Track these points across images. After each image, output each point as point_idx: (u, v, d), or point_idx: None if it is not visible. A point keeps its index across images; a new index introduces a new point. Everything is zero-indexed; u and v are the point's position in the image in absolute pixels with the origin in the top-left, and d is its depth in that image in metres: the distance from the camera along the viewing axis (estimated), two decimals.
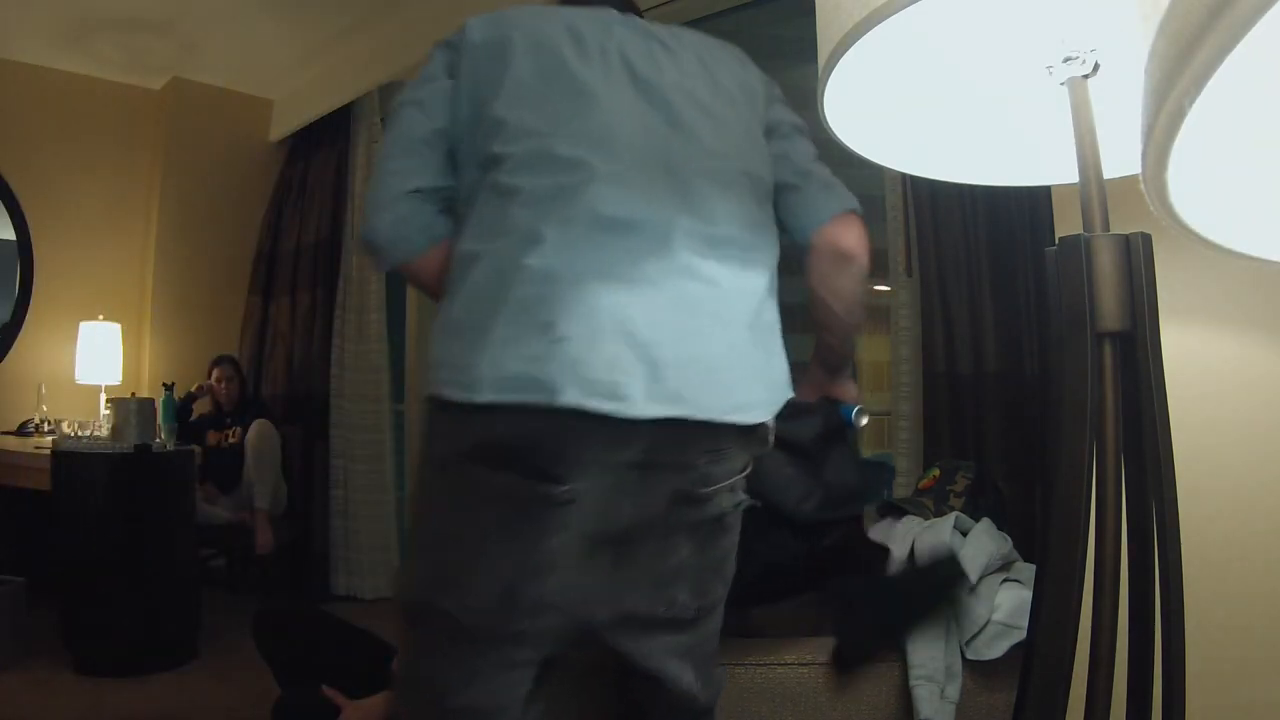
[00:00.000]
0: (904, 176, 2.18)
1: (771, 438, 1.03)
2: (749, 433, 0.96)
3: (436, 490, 0.95)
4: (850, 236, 1.10)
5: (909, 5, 0.78)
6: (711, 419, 0.91)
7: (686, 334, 0.92)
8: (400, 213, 1.03)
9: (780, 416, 1.06)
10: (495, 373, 0.87)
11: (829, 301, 1.13)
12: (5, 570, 2.75)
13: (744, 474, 1.00)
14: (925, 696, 1.31)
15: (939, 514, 1.62)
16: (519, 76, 1.02)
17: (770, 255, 1.05)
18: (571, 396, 0.85)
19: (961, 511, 1.61)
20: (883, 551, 1.48)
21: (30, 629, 2.68)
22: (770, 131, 1.15)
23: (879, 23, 0.81)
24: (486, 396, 0.86)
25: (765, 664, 1.35)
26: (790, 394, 1.03)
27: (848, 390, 1.29)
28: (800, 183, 1.13)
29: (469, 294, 0.94)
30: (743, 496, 1.01)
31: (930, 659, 1.34)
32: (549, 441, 0.86)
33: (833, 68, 0.91)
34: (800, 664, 1.36)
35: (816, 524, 1.32)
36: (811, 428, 1.29)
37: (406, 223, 1.03)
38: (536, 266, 0.90)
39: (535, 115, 1.00)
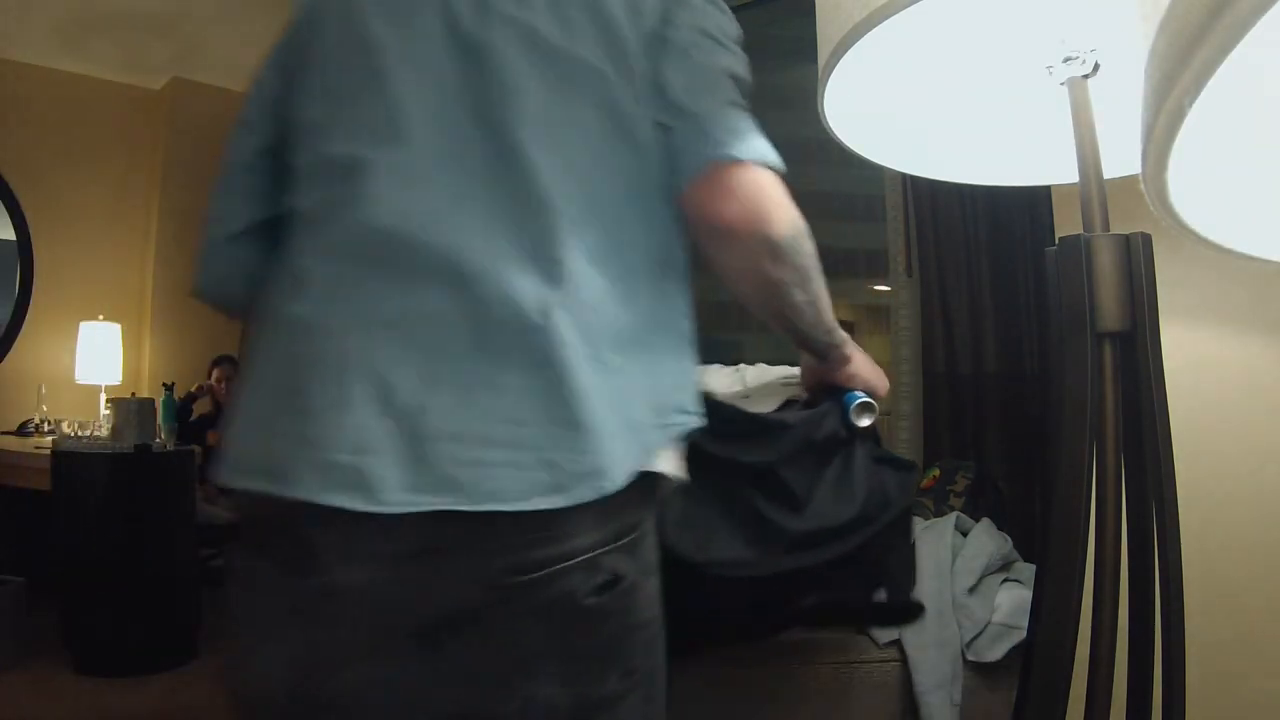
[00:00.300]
0: (904, 176, 2.18)
1: (674, 478, 0.78)
2: (605, 502, 0.69)
3: (225, 568, 0.82)
4: (723, 199, 0.75)
5: (909, 5, 0.78)
6: (504, 509, 0.65)
7: (474, 389, 0.67)
8: (217, 267, 0.87)
9: (739, 436, 0.91)
10: (238, 452, 0.74)
11: (735, 290, 0.83)
12: (5, 570, 2.75)
13: (615, 548, 0.72)
14: (937, 705, 1.31)
15: (939, 514, 1.62)
16: (318, 56, 0.81)
17: (649, 237, 0.78)
18: (306, 488, 0.67)
19: (961, 511, 1.61)
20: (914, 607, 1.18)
21: (30, 629, 2.68)
22: (658, 46, 0.78)
23: (879, 23, 0.81)
24: (226, 480, 0.74)
25: (765, 664, 1.35)
26: (689, 420, 0.77)
27: (850, 375, 1.01)
28: (671, 121, 0.77)
29: (249, 351, 0.78)
30: (624, 571, 0.72)
31: (938, 666, 1.34)
32: (296, 532, 0.70)
33: (833, 68, 0.91)
34: (801, 664, 1.36)
35: (778, 577, 0.97)
36: (780, 445, 0.99)
37: (226, 278, 0.88)
38: (296, 316, 0.73)
39: (322, 107, 0.79)
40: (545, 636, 0.71)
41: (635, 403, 0.73)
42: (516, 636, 0.71)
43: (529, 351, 0.68)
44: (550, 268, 0.70)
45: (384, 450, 0.66)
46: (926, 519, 1.59)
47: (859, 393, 1.01)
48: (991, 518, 1.60)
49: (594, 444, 0.68)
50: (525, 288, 0.69)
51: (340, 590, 0.69)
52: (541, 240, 0.71)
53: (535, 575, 0.68)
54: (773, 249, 0.78)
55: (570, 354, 0.68)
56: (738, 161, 0.75)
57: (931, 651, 1.34)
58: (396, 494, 0.65)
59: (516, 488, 0.66)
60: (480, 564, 0.68)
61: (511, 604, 0.69)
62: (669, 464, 0.77)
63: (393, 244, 0.71)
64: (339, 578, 0.69)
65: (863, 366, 1.02)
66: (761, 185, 0.76)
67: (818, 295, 0.86)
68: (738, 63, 0.81)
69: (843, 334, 0.96)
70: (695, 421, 0.78)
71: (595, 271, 0.72)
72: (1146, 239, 0.86)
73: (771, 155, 0.77)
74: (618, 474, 0.69)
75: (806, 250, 0.81)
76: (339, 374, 0.68)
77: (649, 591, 0.76)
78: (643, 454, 0.72)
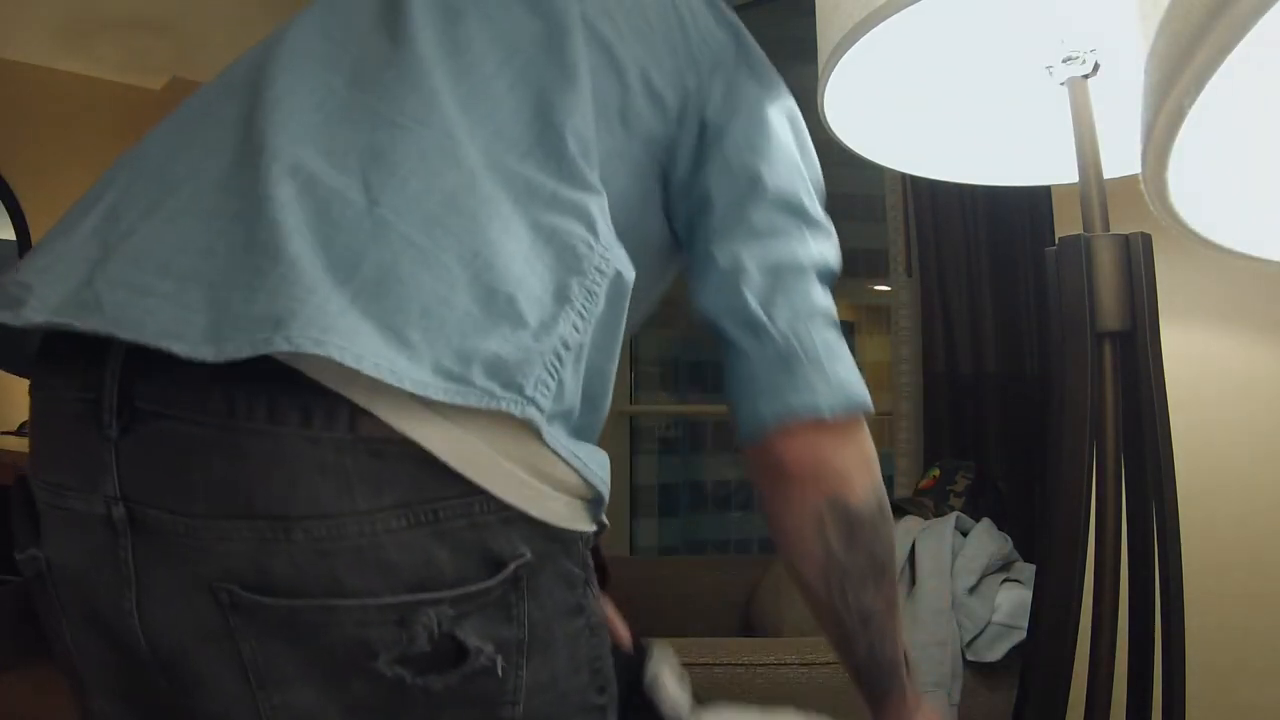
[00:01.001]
0: (904, 176, 2.18)
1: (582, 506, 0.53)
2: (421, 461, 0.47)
3: None
4: (808, 459, 0.61)
5: (909, 5, 0.78)
6: (124, 336, 0.46)
7: (187, 214, 0.51)
8: None
9: None
10: None
11: (791, 568, 0.66)
12: (5, 570, 2.75)
13: (448, 597, 0.47)
14: (935, 705, 1.31)
15: (939, 514, 1.62)
16: None
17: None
18: None
19: (962, 511, 1.61)
20: None
21: (30, 629, 2.68)
22: (708, 161, 0.64)
23: (879, 23, 0.81)
24: None
25: (765, 664, 1.35)
26: (513, 403, 0.47)
27: None
28: (737, 336, 0.62)
29: None
30: (471, 642, 0.48)
31: (938, 664, 1.34)
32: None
33: (833, 68, 0.91)
34: (800, 664, 1.36)
35: None
36: None
37: None
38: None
39: None
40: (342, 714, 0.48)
41: (425, 309, 0.48)
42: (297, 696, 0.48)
43: (269, 181, 0.50)
44: (381, 113, 0.54)
45: (66, 272, 0.51)
46: (926, 519, 1.59)
47: None
48: (991, 518, 1.60)
49: (286, 282, 0.45)
50: (315, 117, 0.54)
51: (37, 571, 0.55)
52: (396, 87, 0.56)
53: (277, 602, 0.46)
54: (845, 519, 0.61)
55: (321, 182, 0.50)
56: (822, 420, 0.60)
57: (931, 650, 1.34)
58: (37, 310, 0.48)
59: (155, 321, 0.46)
60: (192, 552, 0.47)
61: (277, 657, 0.47)
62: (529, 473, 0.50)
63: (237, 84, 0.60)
64: (43, 550, 0.54)
65: None
66: (845, 438, 0.61)
67: (890, 604, 0.65)
68: (825, 243, 0.65)
69: (906, 679, 0.69)
70: (528, 413, 0.48)
71: (467, 124, 0.55)
72: (1146, 239, 0.86)
73: (861, 395, 0.61)
74: (308, 338, 0.44)
75: (885, 535, 0.64)
76: (89, 206, 0.55)
77: (551, 686, 0.52)
78: (405, 375, 0.45)
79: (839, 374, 0.61)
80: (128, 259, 0.50)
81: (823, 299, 0.63)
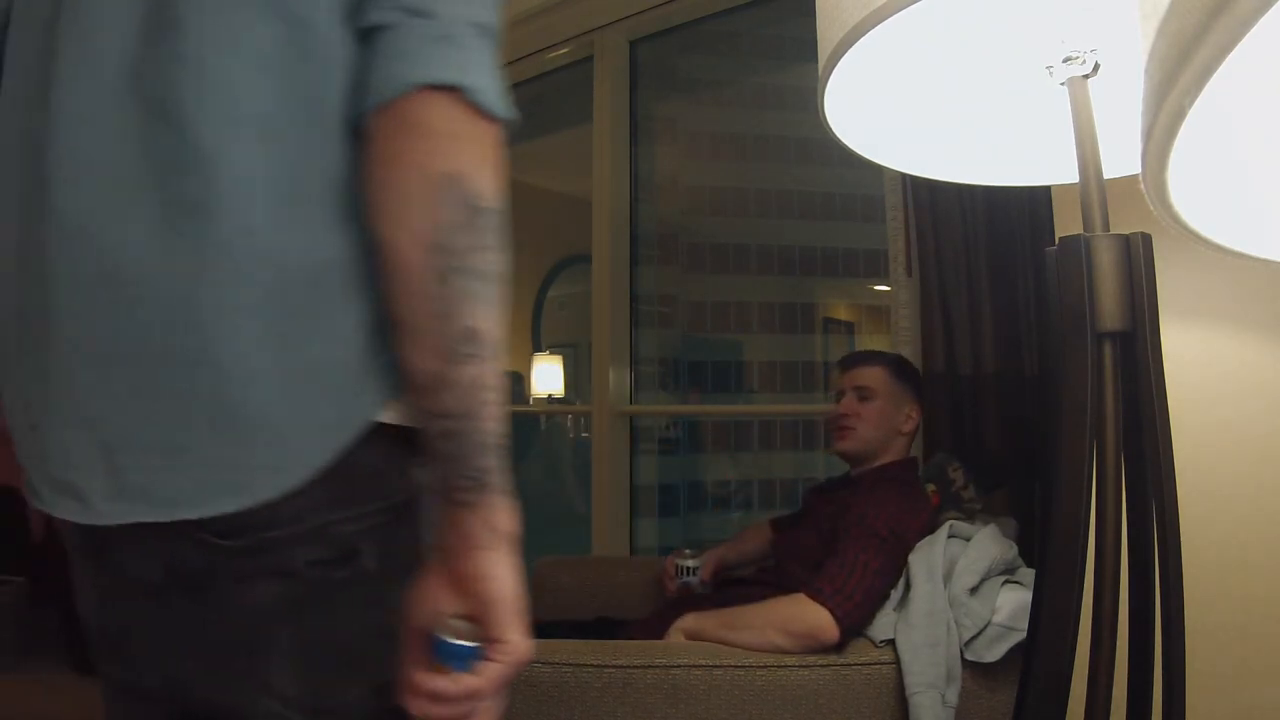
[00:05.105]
0: (904, 176, 2.18)
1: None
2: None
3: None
4: (444, 122, 0.58)
5: (909, 5, 0.78)
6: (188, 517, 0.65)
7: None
8: None
9: None
10: None
11: (383, 247, 0.59)
12: (5, 570, 2.75)
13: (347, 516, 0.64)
14: (927, 705, 1.30)
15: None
16: None
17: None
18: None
19: (976, 497, 1.62)
20: None
21: (30, 629, 2.68)
22: None
23: (879, 23, 0.81)
24: None
25: (765, 665, 1.35)
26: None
27: (466, 576, 0.57)
28: (394, 18, 0.61)
29: None
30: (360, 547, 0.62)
31: (930, 665, 1.33)
32: None
33: (833, 68, 0.91)
34: (800, 665, 1.36)
35: None
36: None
37: None
38: None
39: None
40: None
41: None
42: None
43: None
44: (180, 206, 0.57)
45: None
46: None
47: (453, 641, 0.56)
48: (993, 518, 1.61)
49: (257, 437, 0.57)
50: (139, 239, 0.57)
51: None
52: (174, 178, 0.57)
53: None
54: (466, 202, 0.57)
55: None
56: (465, 96, 0.58)
57: (923, 652, 1.35)
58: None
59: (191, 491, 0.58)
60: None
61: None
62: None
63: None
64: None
65: (506, 573, 0.57)
66: (480, 130, 0.59)
67: (489, 347, 0.58)
68: None
69: (498, 486, 0.58)
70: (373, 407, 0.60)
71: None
72: (1146, 239, 0.86)
73: (500, 105, 0.60)
74: (299, 468, 0.57)
75: (495, 260, 0.59)
76: None
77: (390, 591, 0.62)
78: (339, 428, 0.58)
79: (489, 77, 0.59)
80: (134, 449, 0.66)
81: (482, 12, 0.61)
